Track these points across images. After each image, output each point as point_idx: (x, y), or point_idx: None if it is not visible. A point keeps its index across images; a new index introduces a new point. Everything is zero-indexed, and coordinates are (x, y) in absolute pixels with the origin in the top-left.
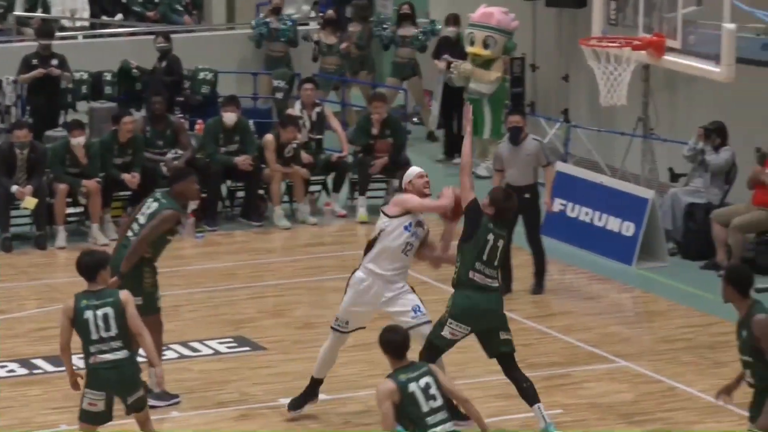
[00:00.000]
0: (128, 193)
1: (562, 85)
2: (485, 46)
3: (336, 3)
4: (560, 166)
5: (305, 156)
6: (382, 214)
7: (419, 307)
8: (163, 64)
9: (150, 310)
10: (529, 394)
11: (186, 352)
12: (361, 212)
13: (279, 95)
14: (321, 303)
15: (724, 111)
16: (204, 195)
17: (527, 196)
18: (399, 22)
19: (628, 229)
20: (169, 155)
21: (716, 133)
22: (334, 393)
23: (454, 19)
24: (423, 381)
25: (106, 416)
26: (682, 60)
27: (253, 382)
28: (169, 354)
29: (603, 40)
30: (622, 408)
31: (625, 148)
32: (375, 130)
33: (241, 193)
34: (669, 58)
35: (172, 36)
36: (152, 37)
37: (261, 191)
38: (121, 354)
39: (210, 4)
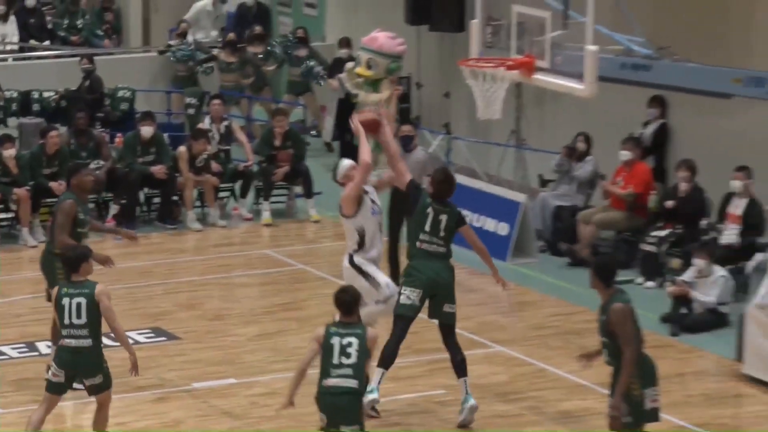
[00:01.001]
0: (55, 199)
1: (444, 101)
2: (368, 67)
3: (237, 27)
4: None
5: (215, 165)
6: (344, 219)
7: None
8: (87, 83)
9: None
10: (459, 367)
11: (108, 342)
12: (266, 215)
13: (191, 111)
14: (230, 297)
15: (588, 124)
16: (123, 201)
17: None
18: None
19: (502, 229)
20: (92, 165)
21: (583, 141)
22: (241, 377)
23: (346, 42)
24: (347, 339)
25: (67, 389)
26: (550, 78)
27: (169, 368)
28: None
29: (480, 60)
30: (498, 388)
31: (500, 157)
32: (277, 142)
33: (157, 199)
34: (538, 76)
35: (94, 58)
36: (76, 59)
37: (175, 197)
38: (85, 342)
39: (128, 29)
